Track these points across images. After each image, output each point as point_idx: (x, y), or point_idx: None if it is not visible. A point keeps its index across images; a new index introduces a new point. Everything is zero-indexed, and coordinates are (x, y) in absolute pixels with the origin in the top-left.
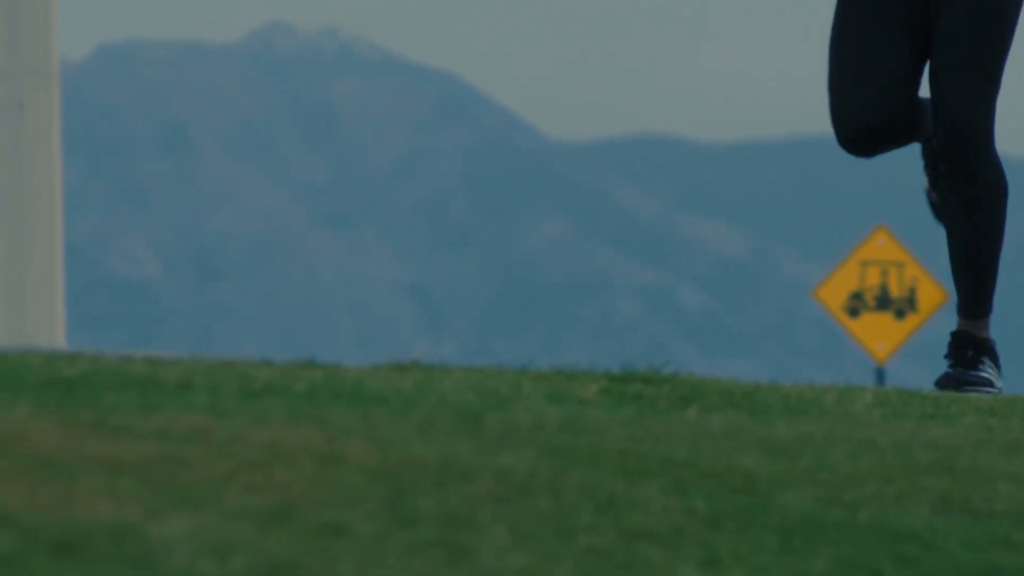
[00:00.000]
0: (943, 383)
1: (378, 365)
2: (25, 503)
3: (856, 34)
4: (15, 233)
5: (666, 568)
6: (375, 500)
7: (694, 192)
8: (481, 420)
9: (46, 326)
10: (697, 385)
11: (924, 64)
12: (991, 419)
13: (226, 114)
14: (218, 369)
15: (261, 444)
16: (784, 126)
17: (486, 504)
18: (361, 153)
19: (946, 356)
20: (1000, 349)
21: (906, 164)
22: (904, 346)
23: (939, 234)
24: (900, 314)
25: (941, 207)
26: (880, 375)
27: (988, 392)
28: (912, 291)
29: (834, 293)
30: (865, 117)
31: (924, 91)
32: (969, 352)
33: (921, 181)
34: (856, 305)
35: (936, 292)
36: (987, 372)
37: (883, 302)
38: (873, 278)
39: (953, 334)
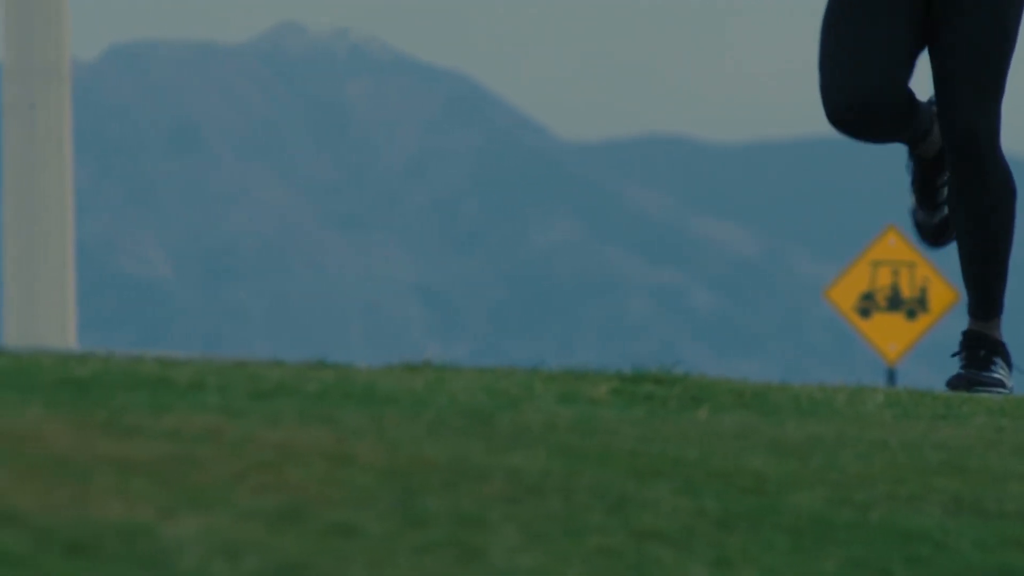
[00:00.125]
0: (954, 383)
1: (389, 365)
2: (37, 503)
3: (851, 13)
4: (26, 233)
5: (676, 568)
6: (386, 500)
7: (705, 192)
8: (492, 420)
9: (57, 326)
10: (708, 385)
11: (918, 48)
12: (1002, 420)
13: (237, 114)
14: (229, 369)
15: (272, 444)
16: (795, 127)
17: (497, 504)
18: (372, 153)
19: (954, 355)
20: (1010, 349)
21: None
22: (915, 346)
23: None
24: (911, 314)
25: (950, 211)
26: (891, 375)
27: (999, 393)
28: (923, 291)
29: (845, 293)
30: (858, 90)
31: (924, 91)
32: (981, 352)
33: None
34: (867, 305)
35: (947, 292)
36: (999, 373)
37: (894, 302)
38: (884, 278)
39: (965, 334)
